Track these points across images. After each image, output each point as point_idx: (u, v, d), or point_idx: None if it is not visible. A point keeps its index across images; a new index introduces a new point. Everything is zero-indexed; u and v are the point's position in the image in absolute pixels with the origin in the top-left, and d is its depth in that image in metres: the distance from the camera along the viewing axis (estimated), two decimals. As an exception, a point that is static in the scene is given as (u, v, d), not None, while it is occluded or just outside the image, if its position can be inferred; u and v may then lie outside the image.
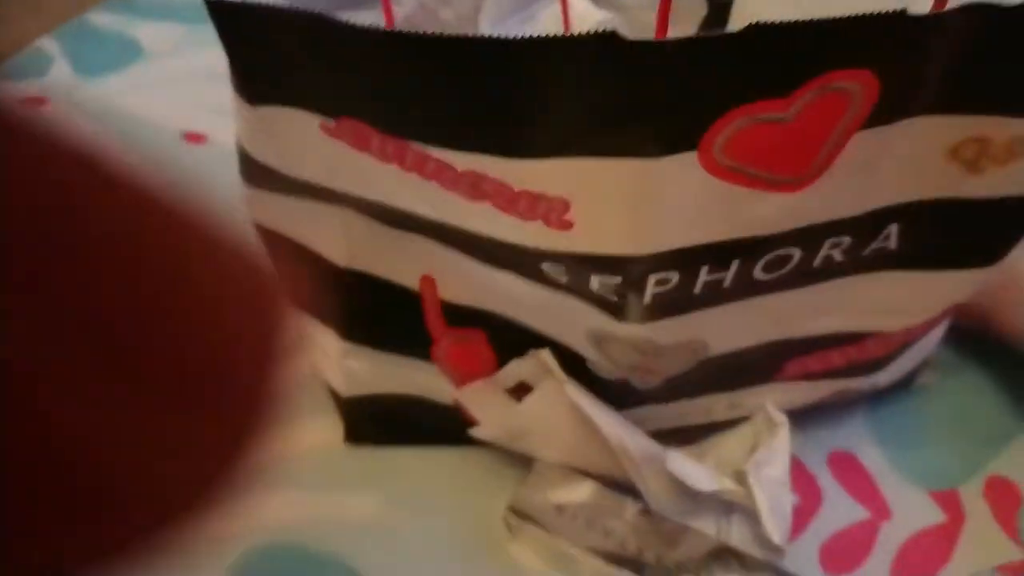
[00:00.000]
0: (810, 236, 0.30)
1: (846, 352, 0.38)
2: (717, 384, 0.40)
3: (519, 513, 0.41)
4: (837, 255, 0.32)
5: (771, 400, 0.42)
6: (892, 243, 0.32)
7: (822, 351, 0.38)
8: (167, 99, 0.60)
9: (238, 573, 0.42)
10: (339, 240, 0.36)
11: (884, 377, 0.43)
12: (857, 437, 0.47)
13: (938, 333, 0.43)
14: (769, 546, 0.41)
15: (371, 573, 0.42)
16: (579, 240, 0.29)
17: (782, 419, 0.42)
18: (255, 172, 0.33)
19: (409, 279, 0.36)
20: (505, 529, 0.43)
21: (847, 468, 0.46)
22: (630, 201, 0.27)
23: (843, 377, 0.41)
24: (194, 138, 0.59)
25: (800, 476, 0.45)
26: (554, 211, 0.28)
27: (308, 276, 0.39)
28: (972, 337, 0.49)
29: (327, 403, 0.46)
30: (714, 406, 0.42)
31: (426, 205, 0.30)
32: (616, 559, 0.40)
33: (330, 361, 0.42)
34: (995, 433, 0.47)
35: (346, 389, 0.43)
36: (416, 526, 0.44)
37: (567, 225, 0.28)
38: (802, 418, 0.46)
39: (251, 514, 0.44)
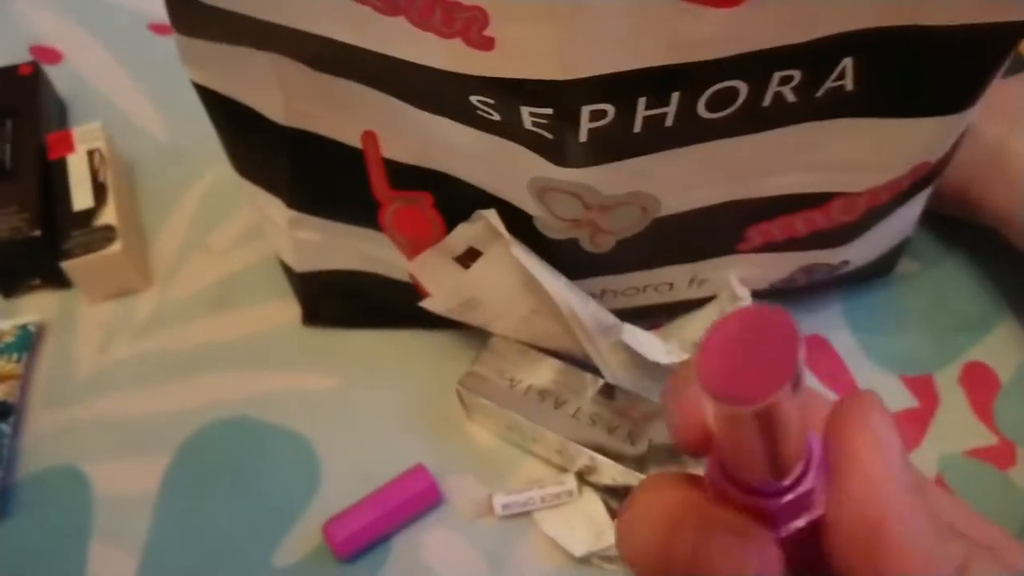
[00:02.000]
0: (754, 66, 0.28)
1: (809, 217, 0.37)
2: (676, 253, 0.38)
3: (474, 390, 0.41)
4: (788, 94, 0.30)
5: (736, 275, 0.40)
6: (848, 83, 0.30)
7: (784, 215, 0.37)
8: (135, -10, 0.59)
9: (191, 449, 0.42)
10: (276, 93, 0.34)
11: (856, 254, 0.41)
12: (831, 322, 0.45)
13: (914, 211, 0.41)
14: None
15: (325, 445, 0.42)
16: (502, 62, 0.27)
17: (745, 293, 0.40)
18: (184, 13, 0.32)
19: (350, 135, 0.35)
20: (460, 406, 0.42)
21: (818, 352, 0.44)
22: (551, 14, 0.25)
23: (809, 248, 0.39)
24: (160, 29, 0.58)
25: (830, 357, 0.44)
26: (473, 25, 0.26)
27: (249, 138, 0.37)
28: (954, 226, 0.47)
29: (286, 287, 0.46)
30: (676, 280, 0.40)
31: (342, 26, 0.28)
32: (573, 437, 0.39)
33: (280, 233, 0.41)
34: (975, 320, 0.45)
35: (298, 264, 0.42)
36: (371, 402, 0.43)
37: (488, 43, 0.27)
38: (776, 302, 0.44)
39: (206, 391, 0.44)
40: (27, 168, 0.47)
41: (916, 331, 0.45)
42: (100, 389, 0.44)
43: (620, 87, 0.28)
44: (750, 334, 0.15)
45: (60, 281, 0.46)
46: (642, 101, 0.29)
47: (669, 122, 0.30)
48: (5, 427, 0.42)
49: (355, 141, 0.35)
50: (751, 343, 0.15)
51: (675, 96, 0.29)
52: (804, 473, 0.18)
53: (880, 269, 0.45)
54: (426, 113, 0.32)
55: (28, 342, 0.45)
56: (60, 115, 0.54)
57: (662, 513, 0.18)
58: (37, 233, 0.45)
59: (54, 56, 0.57)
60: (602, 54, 0.27)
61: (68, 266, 0.45)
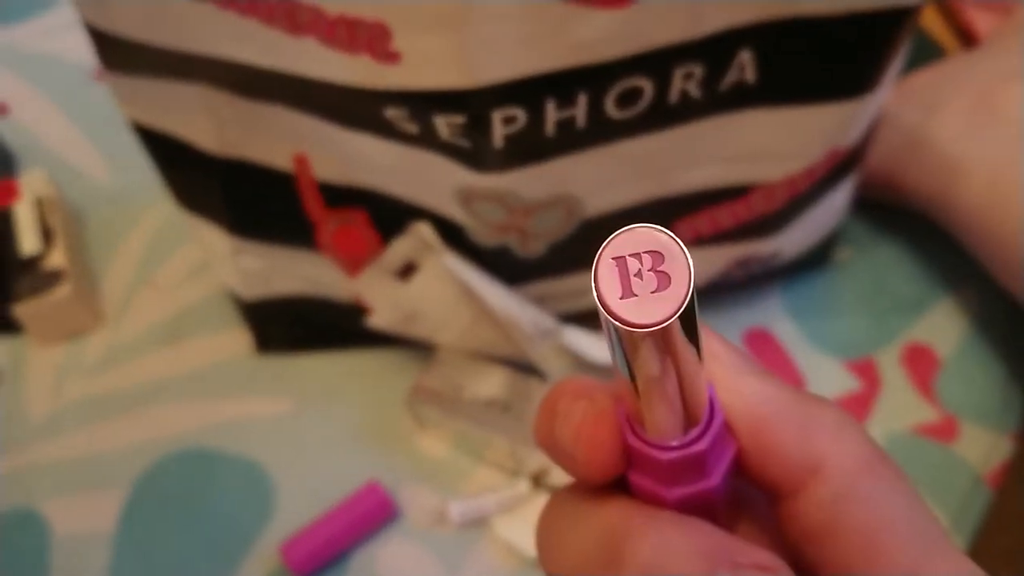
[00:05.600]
0: (655, 63, 0.30)
1: (733, 209, 0.38)
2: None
3: (423, 401, 0.41)
4: (693, 90, 0.31)
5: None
6: (749, 75, 0.32)
7: (706, 209, 0.38)
8: (78, 41, 0.60)
9: (146, 482, 0.42)
10: (205, 123, 0.35)
11: (787, 244, 0.42)
12: (772, 313, 0.46)
13: (840, 199, 0.42)
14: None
15: (278, 469, 0.42)
16: (409, 74, 0.28)
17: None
18: (108, 50, 0.33)
19: (281, 160, 0.36)
20: (411, 420, 0.43)
21: (761, 344, 0.45)
22: (447, 23, 0.27)
23: (738, 240, 0.40)
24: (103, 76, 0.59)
25: (769, 347, 0.45)
26: (377, 40, 0.27)
27: (186, 171, 0.38)
28: (886, 212, 0.49)
29: (236, 317, 0.46)
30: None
31: (256, 51, 0.29)
32: (525, 441, 0.39)
33: (225, 263, 0.42)
34: (911, 301, 0.47)
35: (245, 291, 0.43)
36: (323, 423, 0.43)
37: (394, 57, 0.28)
38: (717, 298, 0.46)
39: (160, 425, 0.44)
40: (-27, 218, 0.48)
41: (855, 315, 0.46)
42: (54, 431, 0.44)
43: (526, 90, 0.29)
44: (641, 254, 0.15)
45: (10, 327, 0.47)
46: (550, 103, 0.30)
47: (580, 123, 0.31)
48: (-41, 474, 0.42)
49: (287, 165, 0.36)
50: (642, 267, 0.15)
51: (582, 97, 0.30)
52: (701, 435, 0.18)
53: (815, 258, 0.46)
54: (348, 131, 0.33)
55: (-20, 389, 0.45)
56: (6, 165, 0.54)
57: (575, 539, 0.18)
58: (-16, 280, 0.45)
59: (0, 108, 0.58)
60: (503, 59, 0.28)
61: (18, 311, 0.45)
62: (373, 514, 0.39)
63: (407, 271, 0.39)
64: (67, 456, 0.43)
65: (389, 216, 0.37)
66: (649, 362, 0.16)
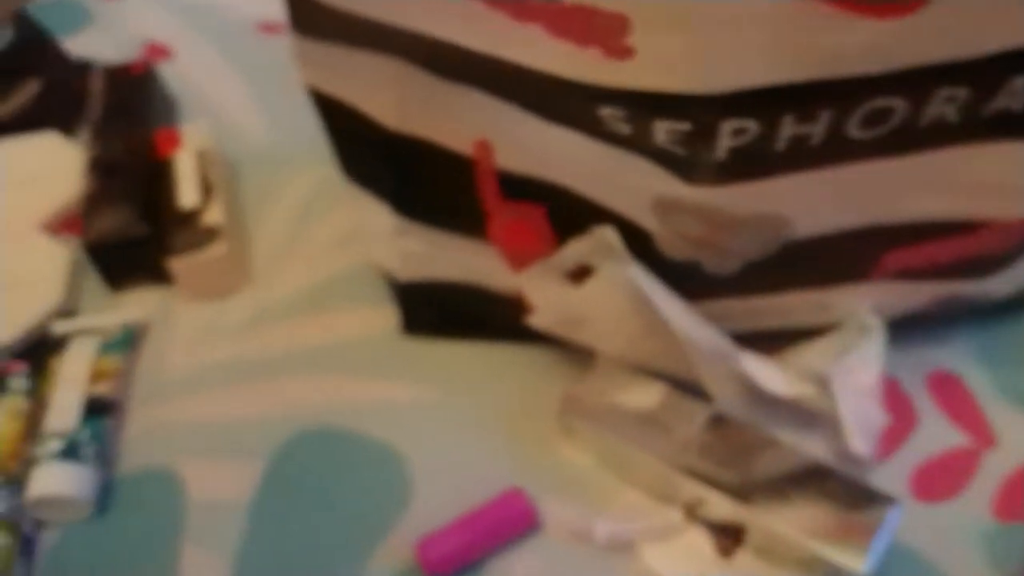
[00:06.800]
0: (917, 82, 0.26)
1: (954, 245, 0.34)
2: (803, 277, 0.36)
3: (575, 411, 0.39)
4: (951, 114, 0.27)
5: (865, 303, 0.37)
6: (1018, 103, 0.27)
7: (926, 242, 0.34)
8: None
9: (284, 454, 0.42)
10: (389, 98, 0.33)
11: (999, 285, 0.38)
12: (962, 357, 0.42)
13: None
14: (851, 459, 0.37)
15: (416, 459, 0.41)
16: (640, 72, 0.25)
17: (876, 323, 0.37)
18: (304, 14, 0.31)
19: (463, 144, 0.34)
20: (558, 427, 0.40)
21: (949, 390, 0.41)
22: (689, 22, 0.23)
23: (950, 279, 0.36)
24: (269, 29, 0.58)
25: (894, 397, 0.40)
26: (612, 33, 0.24)
27: (360, 144, 0.37)
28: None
29: (383, 293, 0.45)
30: (798, 306, 0.37)
31: (471, 32, 0.27)
32: (679, 466, 0.37)
33: (383, 240, 0.40)
34: None
35: (402, 272, 0.41)
36: (467, 418, 0.42)
37: (627, 52, 0.25)
38: (901, 332, 0.41)
39: (300, 398, 0.43)
40: (136, 166, 0.48)
41: (1059, 370, 0.41)
42: (194, 390, 0.44)
43: (765, 103, 0.26)
44: None
45: (163, 278, 0.46)
46: (788, 118, 0.26)
47: (815, 141, 0.28)
48: (107, 424, 0.42)
49: (468, 150, 0.34)
50: None
51: (825, 114, 0.26)
52: None
53: (1021, 297, 0.41)
54: (547, 124, 0.30)
55: (132, 341, 0.45)
56: (168, 113, 0.54)
57: None
58: (144, 231, 0.45)
59: (164, 54, 0.57)
60: (744, 65, 0.25)
61: (173, 264, 0.45)
62: (514, 523, 0.37)
63: (579, 274, 0.36)
64: (207, 417, 0.43)
65: (569, 216, 0.34)
66: None
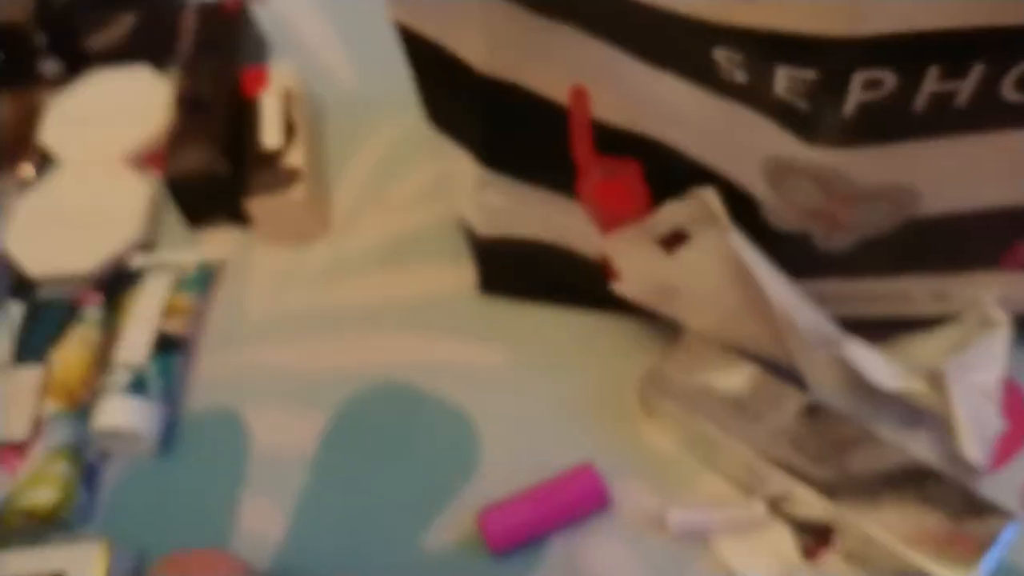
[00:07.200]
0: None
1: (1107, 236, 0.30)
2: (924, 260, 0.32)
3: (658, 388, 0.36)
4: None
5: (991, 294, 0.34)
6: None
7: (1074, 230, 0.30)
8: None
9: (351, 409, 0.40)
10: (480, 37, 0.31)
11: None
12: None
13: None
14: (960, 465, 0.33)
15: (486, 424, 0.39)
16: (771, 10, 0.22)
17: (1003, 317, 0.33)
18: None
19: (557, 90, 0.31)
20: (639, 404, 0.38)
21: (1006, 397, 0.37)
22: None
23: (1095, 274, 0.32)
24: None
25: (1014, 402, 0.36)
26: (738, -39, 0.21)
27: (447, 86, 0.34)
28: None
29: (463, 250, 0.43)
30: (915, 292, 0.34)
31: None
32: (767, 456, 0.34)
33: (466, 193, 0.38)
34: None
35: (482, 227, 0.39)
36: (541, 387, 0.39)
37: (753, -15, 0.22)
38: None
39: (371, 353, 0.42)
40: (222, 103, 0.47)
41: None
42: (267, 336, 0.43)
43: (910, 50, 0.22)
44: None
45: (242, 219, 0.45)
46: (932, 71, 0.23)
47: (961, 102, 0.24)
48: (177, 361, 0.41)
49: (561, 96, 0.31)
50: None
51: (977, 68, 0.23)
52: None
53: None
54: (651, 68, 0.28)
55: (208, 280, 0.44)
56: (258, 52, 0.53)
57: None
58: (225, 169, 0.44)
59: (258, -8, 0.56)
60: (902, 5, 0.21)
61: (252, 205, 0.44)
62: (585, 501, 0.35)
63: (673, 240, 0.33)
64: (277, 365, 0.42)
65: (668, 175, 0.31)
66: None
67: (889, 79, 0.23)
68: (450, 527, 0.37)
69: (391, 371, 0.41)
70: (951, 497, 0.32)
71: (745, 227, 0.31)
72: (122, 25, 0.53)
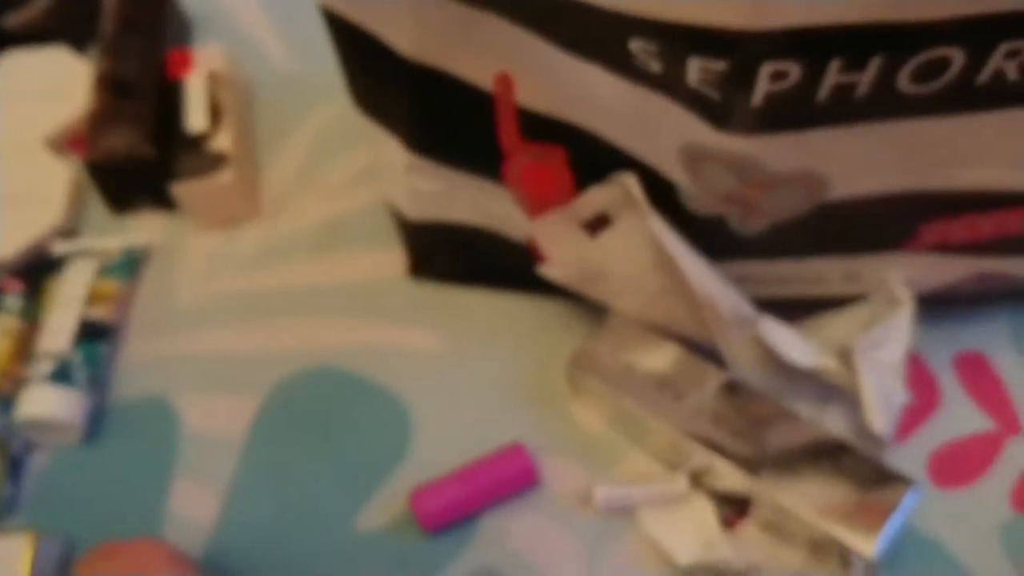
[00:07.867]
0: (979, 33, 0.23)
1: (999, 219, 0.32)
2: (834, 243, 0.33)
3: (585, 368, 0.37)
4: (1011, 71, 0.25)
5: (896, 275, 0.35)
6: (1089, 63, 0.25)
7: (971, 214, 0.31)
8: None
9: (283, 393, 0.40)
10: (407, 24, 0.31)
11: (1044, 266, 0.35)
12: (994, 339, 0.40)
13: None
14: (868, 437, 0.35)
15: (418, 406, 0.39)
16: (682, 3, 0.23)
17: (906, 296, 0.35)
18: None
19: (483, 77, 0.32)
20: (567, 384, 0.39)
21: (976, 372, 0.39)
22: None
23: (990, 255, 0.34)
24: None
25: (918, 375, 0.39)
26: (649, -44, 0.22)
27: (375, 72, 0.35)
28: None
29: (393, 235, 0.43)
30: (827, 273, 0.35)
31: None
32: (690, 432, 0.35)
33: (395, 178, 0.38)
34: None
35: (411, 211, 0.39)
36: (472, 368, 0.40)
37: (666, -20, 0.23)
38: (932, 309, 0.39)
39: (303, 337, 0.42)
40: (146, 85, 0.46)
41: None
42: (198, 322, 0.43)
43: (812, 44, 0.24)
44: None
45: (169, 203, 0.45)
46: (835, 64, 0.24)
47: (861, 92, 0.25)
48: (102, 349, 0.41)
49: (487, 83, 0.32)
50: None
51: (875, 61, 0.24)
52: None
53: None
54: (574, 58, 0.28)
55: (134, 266, 0.44)
56: (183, 33, 0.52)
57: None
58: (150, 152, 0.44)
59: (183, -28, 0.55)
60: (797, 2, 0.22)
61: (178, 189, 0.43)
62: (514, 480, 0.36)
63: (597, 224, 0.34)
64: (207, 351, 0.42)
65: (591, 161, 0.32)
66: None
67: (794, 71, 0.24)
68: (383, 508, 0.37)
69: (323, 355, 0.41)
70: (861, 468, 0.34)
71: (665, 211, 0.32)
72: (40, 4, 0.51)
